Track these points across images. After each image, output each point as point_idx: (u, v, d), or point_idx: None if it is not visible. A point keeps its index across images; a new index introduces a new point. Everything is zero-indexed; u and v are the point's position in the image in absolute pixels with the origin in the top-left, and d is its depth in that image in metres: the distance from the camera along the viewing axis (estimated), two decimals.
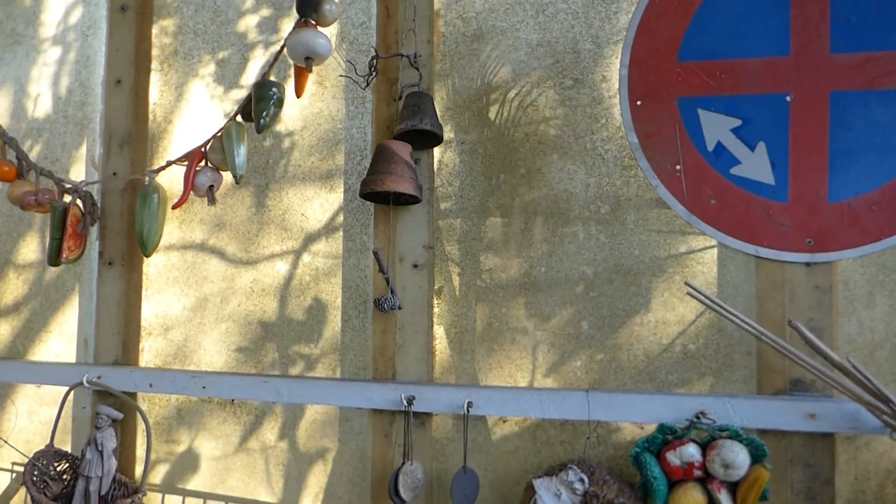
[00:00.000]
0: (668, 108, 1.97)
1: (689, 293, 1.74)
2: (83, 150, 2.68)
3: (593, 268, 2.06)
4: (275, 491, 2.34)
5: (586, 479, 1.84)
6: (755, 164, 1.90)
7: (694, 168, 1.94)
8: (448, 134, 2.20)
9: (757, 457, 1.73)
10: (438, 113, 2.14)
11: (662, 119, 1.97)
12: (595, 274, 2.06)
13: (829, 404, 1.76)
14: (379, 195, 2.08)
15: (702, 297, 1.72)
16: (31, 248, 2.75)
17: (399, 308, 2.10)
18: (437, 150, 2.19)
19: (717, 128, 1.93)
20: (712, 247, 1.98)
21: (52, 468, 2.31)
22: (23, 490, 2.62)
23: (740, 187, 1.91)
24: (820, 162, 1.84)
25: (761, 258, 1.90)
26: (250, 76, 2.48)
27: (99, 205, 2.46)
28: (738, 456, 1.70)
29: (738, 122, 1.91)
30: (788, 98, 1.87)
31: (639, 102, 1.99)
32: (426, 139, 2.10)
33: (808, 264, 1.86)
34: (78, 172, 2.67)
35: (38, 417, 2.69)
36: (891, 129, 1.80)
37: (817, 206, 1.84)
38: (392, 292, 2.07)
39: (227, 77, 2.51)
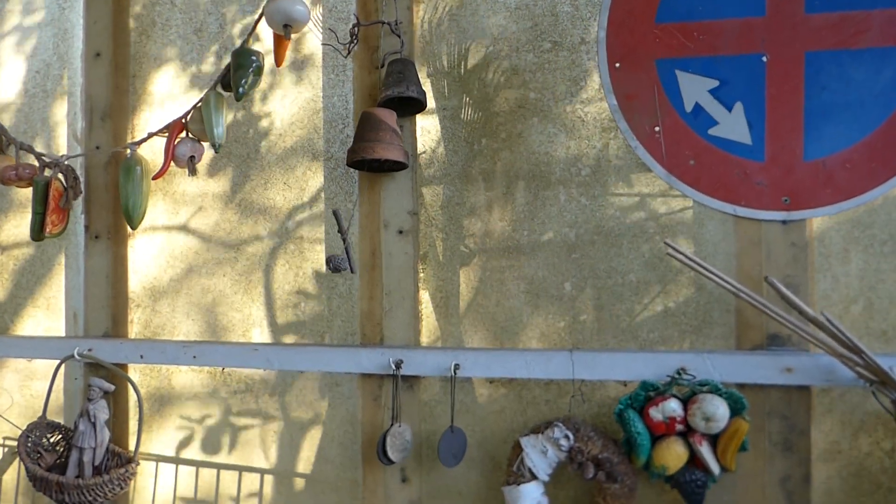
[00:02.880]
0: (647, 70, 1.98)
1: (668, 253, 1.78)
2: (64, 124, 2.67)
3: (575, 230, 2.09)
4: (267, 456, 2.38)
5: (571, 436, 1.89)
6: (732, 125, 1.92)
7: (672, 129, 1.97)
8: (430, 100, 2.21)
9: (736, 410, 1.78)
10: (420, 79, 2.14)
11: (641, 81, 1.99)
12: (577, 236, 2.09)
13: (805, 358, 1.81)
14: (362, 162, 2.09)
15: (681, 257, 1.76)
16: (13, 224, 2.74)
17: (352, 271, 2.10)
18: (419, 117, 2.20)
19: (694, 89, 1.95)
20: (691, 207, 2.01)
21: (45, 439, 2.34)
22: (16, 463, 2.64)
23: (718, 147, 1.93)
24: (795, 121, 1.87)
25: (739, 217, 1.93)
26: (229, 45, 2.46)
27: (83, 179, 2.45)
28: (719, 409, 1.75)
29: (715, 83, 1.93)
30: (764, 58, 1.89)
31: (617, 65, 2.01)
32: (408, 106, 2.11)
33: (784, 222, 1.89)
34: (59, 147, 2.65)
35: (29, 391, 2.70)
36: (863, 88, 1.82)
37: (793, 165, 1.87)
38: (346, 253, 2.08)
39: (205, 47, 2.49)
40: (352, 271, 2.10)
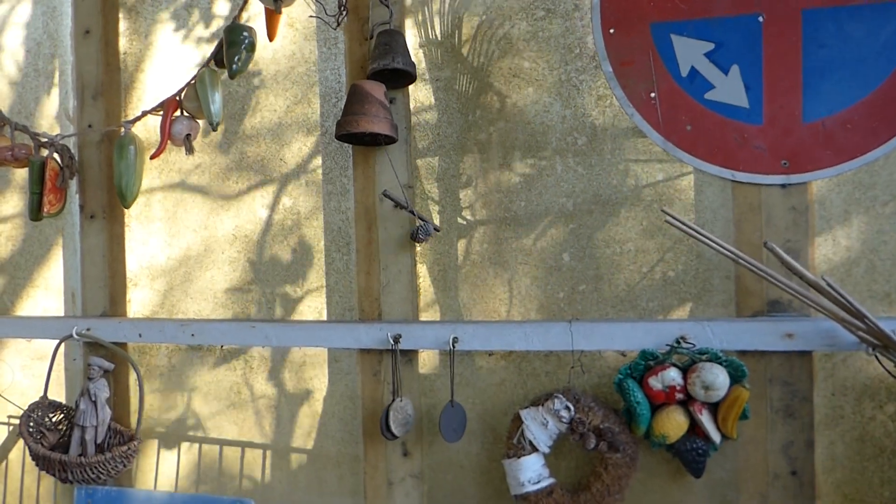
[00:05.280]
0: (641, 35, 1.94)
1: (667, 221, 1.75)
2: (56, 103, 2.66)
3: (572, 200, 2.07)
4: (268, 433, 2.39)
5: (572, 407, 1.88)
6: (729, 88, 1.88)
7: (668, 95, 1.93)
8: (422, 71, 2.18)
9: (736, 377, 1.76)
10: (411, 50, 2.11)
11: (636, 46, 1.95)
12: (574, 206, 2.07)
13: (806, 323, 1.79)
14: (356, 136, 2.06)
15: (680, 224, 1.73)
16: (11, 205, 2.74)
17: (437, 230, 2.12)
18: (412, 89, 2.17)
19: (690, 52, 1.91)
20: (689, 173, 1.98)
21: (47, 419, 2.35)
22: (20, 442, 2.66)
23: (715, 112, 1.90)
24: (793, 82, 1.83)
25: (737, 182, 1.90)
26: (220, 21, 2.44)
27: (76, 158, 2.44)
28: (718, 377, 1.74)
29: (710, 46, 1.89)
30: (760, 18, 1.85)
31: (611, 30, 1.97)
32: (400, 78, 2.07)
33: (783, 186, 1.86)
34: (52, 126, 2.64)
35: (30, 371, 2.72)
36: (862, 46, 1.78)
37: (792, 127, 1.84)
38: (423, 220, 2.07)
39: (196, 22, 2.47)
40: (436, 230, 2.13)
